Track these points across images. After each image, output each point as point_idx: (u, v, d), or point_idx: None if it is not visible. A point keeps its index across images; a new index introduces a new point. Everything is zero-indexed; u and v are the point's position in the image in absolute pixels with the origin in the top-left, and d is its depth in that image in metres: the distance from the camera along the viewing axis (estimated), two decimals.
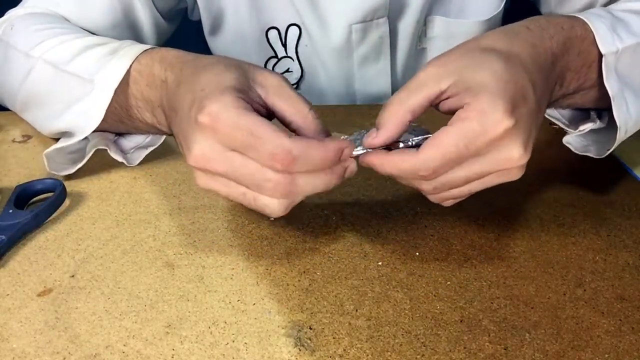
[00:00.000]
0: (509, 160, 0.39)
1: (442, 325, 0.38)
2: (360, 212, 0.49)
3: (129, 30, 0.66)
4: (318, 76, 0.77)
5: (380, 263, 0.43)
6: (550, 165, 0.56)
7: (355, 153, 0.40)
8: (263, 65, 0.76)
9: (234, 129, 0.37)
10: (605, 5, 0.61)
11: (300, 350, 0.36)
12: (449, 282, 0.41)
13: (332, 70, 0.75)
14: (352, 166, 0.41)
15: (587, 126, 0.51)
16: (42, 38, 0.55)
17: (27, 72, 0.55)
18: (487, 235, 0.46)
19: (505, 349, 0.36)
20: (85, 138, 0.52)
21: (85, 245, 0.45)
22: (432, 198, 0.42)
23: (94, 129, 0.50)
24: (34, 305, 0.39)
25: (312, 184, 0.39)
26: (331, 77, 0.76)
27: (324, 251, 0.44)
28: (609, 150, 0.50)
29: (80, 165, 0.53)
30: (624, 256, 0.44)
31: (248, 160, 0.38)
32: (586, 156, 0.51)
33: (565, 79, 0.48)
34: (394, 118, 0.40)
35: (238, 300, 0.40)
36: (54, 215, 0.48)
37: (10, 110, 0.63)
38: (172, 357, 0.35)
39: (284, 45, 0.75)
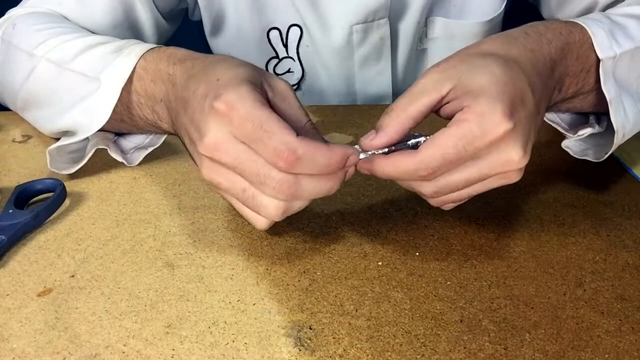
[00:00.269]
0: (509, 163, 0.39)
1: (442, 325, 0.38)
2: (360, 212, 0.49)
3: (130, 30, 0.66)
4: (319, 76, 0.77)
5: (380, 263, 0.43)
6: (550, 165, 0.56)
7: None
8: (264, 66, 0.76)
9: (246, 119, 0.37)
10: (606, 7, 0.61)
11: (300, 350, 0.36)
12: (449, 282, 0.41)
13: (332, 70, 0.75)
14: (351, 170, 0.41)
15: (586, 131, 0.51)
16: (44, 37, 0.55)
17: (29, 71, 0.55)
18: (487, 235, 0.46)
19: (505, 349, 0.36)
20: (86, 138, 0.52)
21: (85, 245, 0.45)
22: (433, 202, 0.43)
23: (99, 127, 0.50)
24: (34, 305, 0.39)
25: (313, 189, 0.39)
26: (332, 77, 0.76)
27: (324, 251, 0.44)
28: (607, 153, 0.50)
29: (80, 165, 0.53)
30: (624, 256, 0.44)
31: (256, 155, 0.38)
32: (587, 158, 0.52)
33: (564, 84, 0.48)
34: (394, 123, 0.40)
35: (238, 300, 0.40)
36: (54, 215, 0.48)
37: (11, 110, 0.63)
38: (172, 357, 0.35)
39: (285, 45, 0.75)
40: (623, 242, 0.46)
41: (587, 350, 0.36)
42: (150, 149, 0.56)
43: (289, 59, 0.76)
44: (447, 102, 0.40)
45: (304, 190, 0.39)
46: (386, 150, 0.40)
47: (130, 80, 0.50)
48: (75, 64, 0.52)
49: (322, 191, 0.39)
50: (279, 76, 0.74)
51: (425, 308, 0.39)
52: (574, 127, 0.53)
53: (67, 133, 0.54)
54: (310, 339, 0.37)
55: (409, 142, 0.40)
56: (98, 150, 0.54)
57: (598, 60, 0.47)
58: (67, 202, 0.50)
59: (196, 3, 0.73)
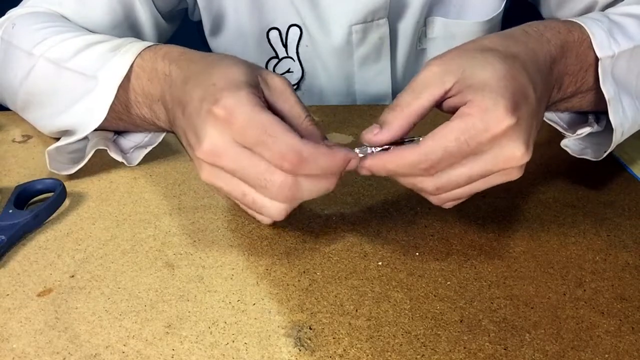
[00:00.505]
0: (511, 159, 0.38)
1: (442, 325, 0.38)
2: (360, 212, 0.49)
3: (130, 30, 0.66)
4: (318, 76, 0.77)
5: (380, 263, 0.43)
6: (550, 165, 0.56)
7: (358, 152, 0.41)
8: (264, 66, 0.76)
9: (248, 126, 0.37)
10: (606, 7, 0.61)
11: (300, 350, 0.36)
12: (449, 282, 0.41)
13: (332, 70, 0.75)
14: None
15: (585, 130, 0.51)
16: (43, 36, 0.55)
17: (28, 71, 0.55)
18: (487, 235, 0.46)
19: (505, 349, 0.36)
20: (85, 138, 0.52)
21: (85, 245, 0.45)
22: (434, 199, 0.42)
23: (96, 126, 0.50)
24: (34, 305, 0.39)
25: (312, 189, 0.39)
26: (331, 77, 0.76)
27: (324, 251, 0.44)
28: (605, 152, 0.50)
29: (80, 165, 0.53)
30: (624, 256, 0.44)
31: (257, 159, 0.38)
32: (586, 157, 0.52)
33: (563, 83, 0.48)
34: (399, 119, 0.40)
35: (238, 300, 0.40)
36: (54, 215, 0.48)
37: (11, 110, 0.63)
38: (172, 357, 0.35)
39: (285, 45, 0.75)
40: (623, 242, 0.46)
41: (587, 350, 0.36)
42: (149, 148, 0.56)
43: (289, 59, 0.76)
44: (450, 96, 0.40)
45: (303, 191, 0.39)
46: (386, 147, 0.40)
47: (127, 78, 0.50)
48: (73, 63, 0.52)
49: (320, 191, 0.40)
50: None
51: (425, 308, 0.39)
52: (573, 126, 0.53)
53: (66, 132, 0.54)
54: (310, 339, 0.37)
55: (405, 141, 0.40)
56: (98, 150, 0.53)
57: (597, 59, 0.47)
58: (67, 202, 0.50)
59: (196, 3, 0.73)
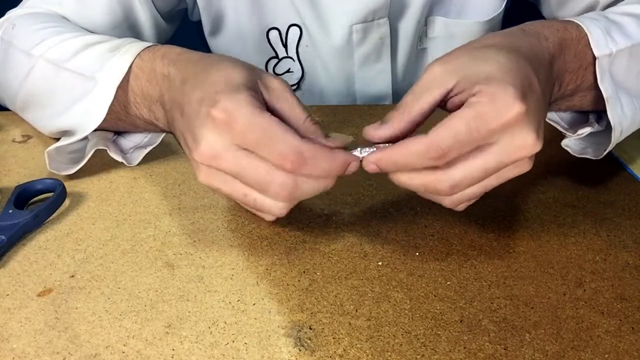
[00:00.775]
0: (523, 147, 0.38)
1: (442, 325, 0.38)
2: (360, 212, 0.49)
3: (130, 31, 0.66)
4: (319, 76, 0.77)
5: (380, 263, 0.43)
6: (550, 165, 0.56)
7: (357, 154, 0.41)
8: (264, 66, 0.76)
9: (248, 128, 0.37)
10: (607, 6, 0.61)
11: (300, 350, 0.36)
12: (449, 282, 0.41)
13: (332, 70, 0.75)
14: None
15: (586, 130, 0.51)
16: (42, 37, 0.55)
17: (27, 71, 0.55)
18: (487, 235, 0.46)
19: (505, 349, 0.36)
20: (85, 138, 0.52)
21: (85, 245, 0.45)
22: (447, 201, 0.41)
23: (95, 126, 0.51)
24: (34, 305, 0.39)
25: (312, 188, 0.40)
26: (332, 77, 0.76)
27: (324, 251, 0.44)
28: (605, 150, 0.50)
29: (80, 165, 0.53)
30: (624, 256, 0.44)
31: (256, 161, 0.38)
32: (586, 156, 0.52)
33: (563, 80, 0.48)
34: (401, 118, 0.40)
35: (238, 300, 0.40)
36: (54, 215, 0.48)
37: (11, 110, 0.63)
38: (172, 357, 0.35)
39: (285, 45, 0.75)
40: (623, 242, 0.46)
41: (587, 350, 0.36)
42: (149, 148, 0.56)
43: (289, 59, 0.76)
44: (454, 95, 0.39)
45: (303, 190, 0.39)
46: (387, 145, 0.40)
47: (126, 79, 0.50)
48: (72, 63, 0.52)
49: (319, 189, 0.40)
50: (277, 75, 0.74)
51: (425, 308, 0.39)
52: (574, 126, 0.53)
53: (66, 133, 0.54)
54: (310, 339, 0.37)
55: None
56: (98, 151, 0.54)
57: (595, 58, 0.47)
58: (67, 202, 0.50)
59: (195, 3, 0.73)
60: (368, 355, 0.35)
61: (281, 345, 0.36)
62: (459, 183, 0.39)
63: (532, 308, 0.39)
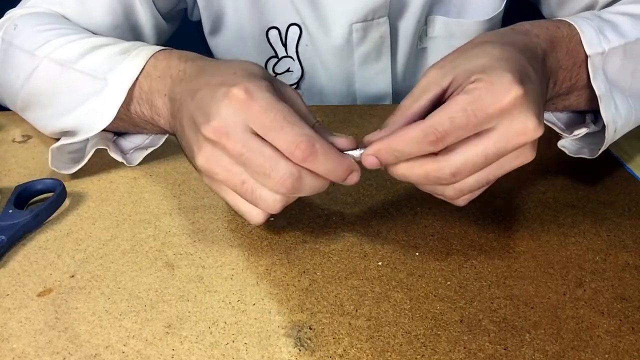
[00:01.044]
0: (524, 132, 0.37)
1: (442, 325, 0.38)
2: (360, 212, 0.49)
3: (130, 31, 0.66)
4: (318, 76, 0.77)
5: (380, 263, 0.43)
6: (550, 165, 0.56)
7: (358, 153, 0.41)
8: (263, 65, 0.76)
9: (267, 110, 0.38)
10: (606, 6, 0.61)
11: (300, 350, 0.36)
12: (449, 282, 0.41)
13: (332, 69, 0.75)
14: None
15: (582, 130, 0.51)
16: (47, 38, 0.56)
17: (31, 71, 0.55)
18: (487, 235, 0.46)
19: (505, 349, 0.36)
20: (86, 138, 0.52)
21: (85, 245, 0.45)
22: (450, 191, 0.41)
23: (103, 127, 0.51)
24: (34, 305, 0.39)
25: (313, 185, 0.40)
26: (331, 76, 0.76)
27: (324, 251, 0.44)
28: (600, 150, 0.50)
29: (80, 165, 0.53)
30: (624, 256, 0.44)
31: (265, 146, 0.38)
32: (582, 156, 0.52)
33: (558, 77, 0.48)
34: (399, 121, 0.40)
35: (238, 300, 0.40)
36: (54, 215, 0.48)
37: (11, 110, 0.63)
38: (172, 357, 0.35)
39: (284, 45, 0.75)
40: (623, 242, 0.46)
41: (587, 350, 0.36)
42: (150, 149, 0.56)
43: (288, 59, 0.76)
44: (452, 93, 0.39)
45: (305, 185, 0.39)
46: None
47: (136, 79, 0.50)
48: (81, 64, 0.53)
49: (319, 188, 0.40)
50: (278, 76, 0.74)
51: (425, 308, 0.39)
52: (570, 126, 0.53)
53: (67, 133, 0.54)
54: (310, 339, 0.37)
55: None
56: (98, 150, 0.54)
57: (587, 56, 0.47)
58: (67, 202, 0.50)
59: (195, 3, 0.73)
60: (368, 355, 0.35)
61: (281, 345, 0.36)
62: (459, 169, 0.38)
63: (532, 308, 0.39)
